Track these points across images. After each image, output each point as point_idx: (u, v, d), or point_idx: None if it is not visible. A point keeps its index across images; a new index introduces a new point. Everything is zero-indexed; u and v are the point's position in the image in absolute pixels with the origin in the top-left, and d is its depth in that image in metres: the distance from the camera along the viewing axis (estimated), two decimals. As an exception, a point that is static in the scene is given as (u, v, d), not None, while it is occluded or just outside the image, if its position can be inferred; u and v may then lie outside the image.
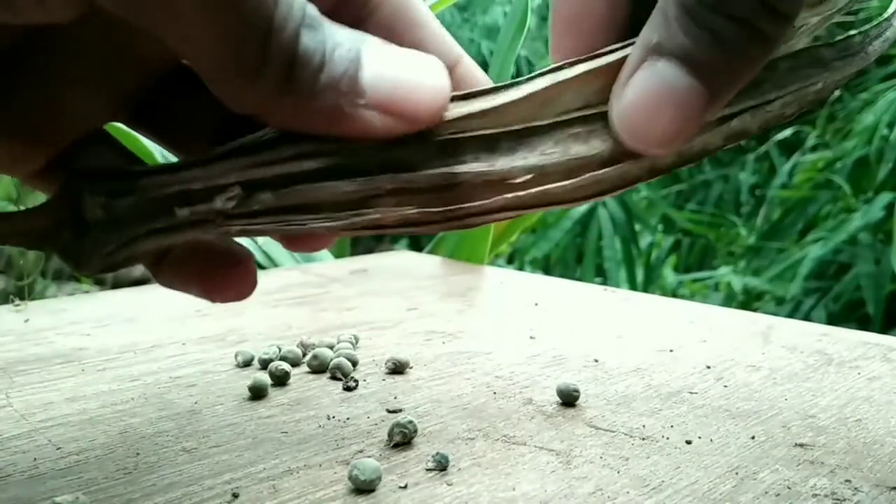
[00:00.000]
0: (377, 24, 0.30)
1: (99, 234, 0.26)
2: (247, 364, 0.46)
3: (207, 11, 0.22)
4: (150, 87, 0.30)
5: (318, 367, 0.45)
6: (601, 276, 2.48)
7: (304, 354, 0.46)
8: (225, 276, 0.31)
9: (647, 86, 0.24)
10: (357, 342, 0.50)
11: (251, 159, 0.26)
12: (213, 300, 0.32)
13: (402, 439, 0.36)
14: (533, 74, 0.27)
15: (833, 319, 1.93)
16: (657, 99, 0.24)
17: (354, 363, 0.46)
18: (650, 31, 0.25)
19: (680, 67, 0.24)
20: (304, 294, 0.63)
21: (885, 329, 1.79)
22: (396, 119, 0.25)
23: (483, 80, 0.31)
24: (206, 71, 0.24)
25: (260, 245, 1.07)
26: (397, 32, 0.30)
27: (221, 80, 0.24)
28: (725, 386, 0.44)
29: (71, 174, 0.27)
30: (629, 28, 0.28)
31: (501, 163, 0.26)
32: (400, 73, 0.25)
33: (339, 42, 0.24)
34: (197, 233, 0.27)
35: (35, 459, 0.33)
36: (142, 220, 0.27)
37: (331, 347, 0.47)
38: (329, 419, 0.38)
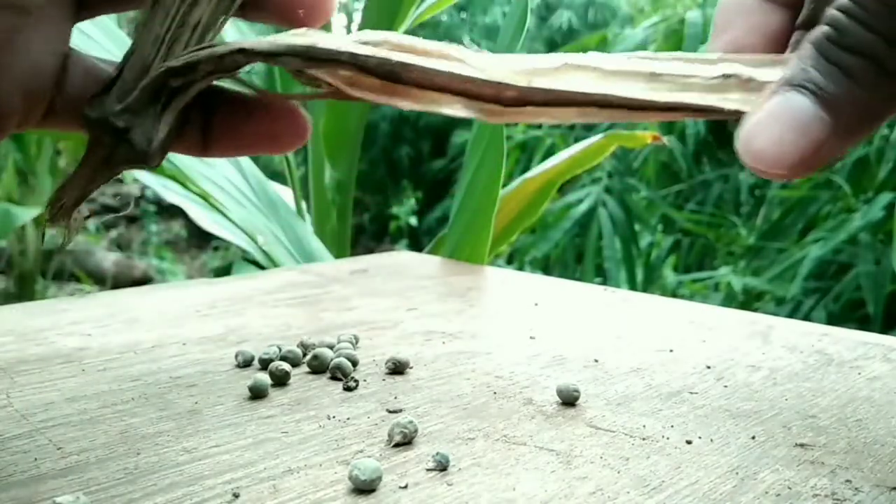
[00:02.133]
0: None
1: (139, 131, 0.30)
2: (247, 364, 0.46)
3: None
4: None
5: (319, 368, 0.45)
6: (601, 276, 2.48)
7: (305, 354, 0.46)
8: (272, 126, 0.33)
9: (775, 111, 0.27)
10: (357, 342, 0.50)
11: None
12: (273, 152, 0.35)
13: (402, 439, 0.36)
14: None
15: (833, 319, 1.93)
16: (782, 123, 0.26)
17: (354, 363, 0.46)
18: (786, 68, 0.27)
19: (808, 97, 0.26)
20: (304, 294, 0.63)
21: (885, 329, 1.79)
22: None
23: None
24: None
25: (260, 245, 1.08)
26: None
27: None
28: (726, 386, 0.44)
29: (84, 119, 0.31)
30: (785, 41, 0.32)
31: None
32: None
33: None
34: (209, 77, 0.31)
35: (36, 459, 0.33)
36: (155, 96, 0.30)
37: (331, 347, 0.47)
38: (329, 419, 0.38)
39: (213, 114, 0.33)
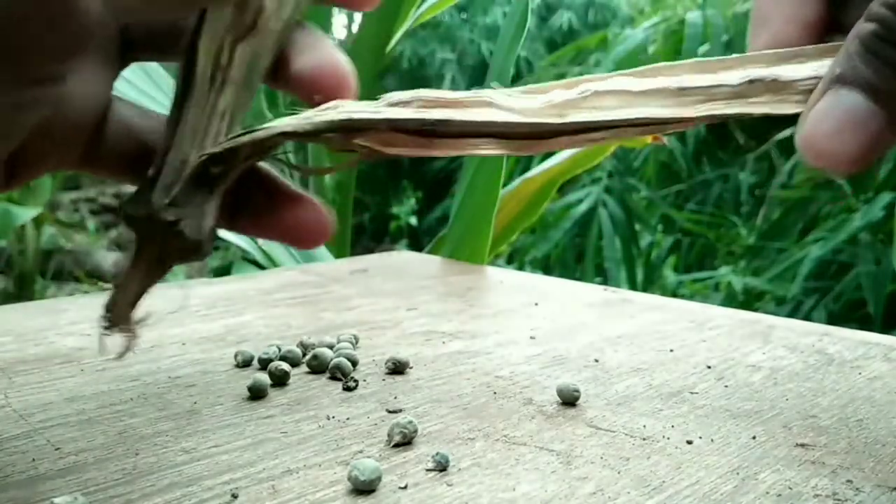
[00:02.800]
0: None
1: (189, 222, 0.31)
2: (246, 364, 0.46)
3: None
4: None
5: (318, 367, 0.45)
6: (601, 275, 2.49)
7: (304, 354, 0.46)
8: (295, 220, 0.35)
9: (829, 110, 0.28)
10: (357, 342, 0.50)
11: None
12: (294, 245, 0.37)
13: (402, 439, 0.36)
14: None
15: (833, 319, 1.93)
16: (838, 122, 0.27)
17: (354, 363, 0.46)
18: (834, 66, 0.28)
19: (860, 94, 0.27)
20: (303, 294, 0.63)
21: (885, 329, 1.79)
22: None
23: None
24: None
25: (260, 245, 1.07)
26: None
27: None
28: (726, 386, 0.44)
29: (127, 219, 0.31)
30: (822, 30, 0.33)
31: None
32: None
33: None
34: (249, 160, 0.32)
35: (34, 460, 0.33)
36: (198, 185, 0.31)
37: (331, 347, 0.47)
38: (329, 419, 0.38)
39: (240, 196, 0.34)
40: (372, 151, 0.31)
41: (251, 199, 0.34)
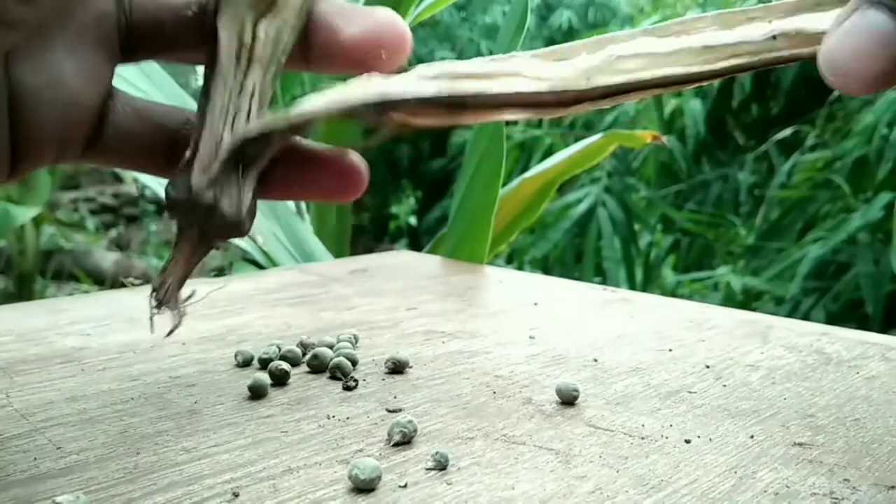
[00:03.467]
0: None
1: (228, 202, 0.31)
2: (246, 364, 0.46)
3: None
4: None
5: (318, 367, 0.45)
6: (600, 275, 2.49)
7: (304, 354, 0.46)
8: (326, 179, 0.34)
9: (853, 28, 0.27)
10: (357, 342, 0.50)
11: None
12: (326, 200, 0.36)
13: (401, 439, 0.36)
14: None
15: (832, 319, 1.93)
16: (862, 39, 0.27)
17: (354, 363, 0.46)
18: None
19: (884, 12, 0.27)
20: (303, 294, 0.63)
21: (884, 329, 1.79)
22: None
23: None
24: None
25: (259, 245, 1.07)
26: None
27: None
28: (724, 385, 0.44)
29: (169, 201, 0.32)
30: None
31: None
32: None
33: None
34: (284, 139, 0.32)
35: (35, 459, 0.33)
36: (235, 165, 0.31)
37: (330, 347, 0.47)
38: (329, 419, 0.38)
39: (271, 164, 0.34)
40: (403, 125, 0.31)
41: (283, 165, 0.34)
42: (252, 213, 0.32)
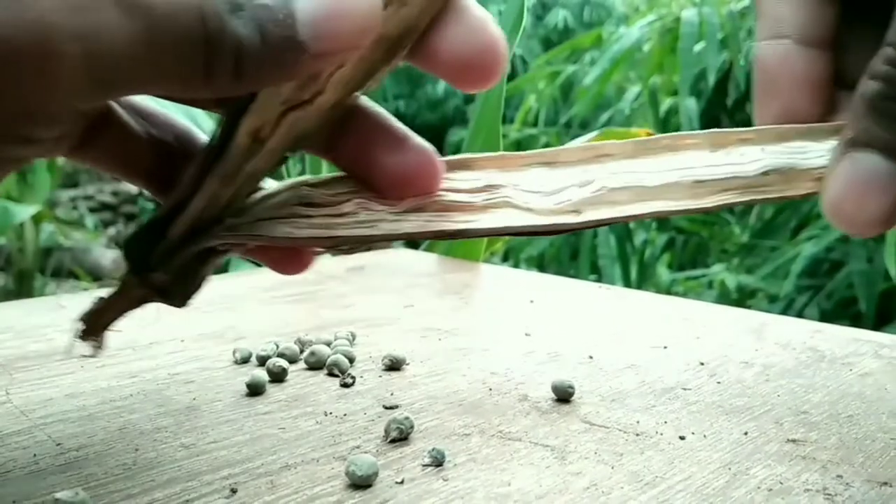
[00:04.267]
0: None
1: (178, 291, 0.32)
2: (245, 361, 0.46)
3: (151, 54, 0.24)
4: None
5: (316, 364, 0.45)
6: (596, 273, 2.49)
7: (302, 351, 0.47)
8: (397, 161, 0.32)
9: (849, 175, 0.27)
10: (354, 339, 0.50)
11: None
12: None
13: (398, 435, 0.36)
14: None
15: (825, 317, 1.94)
16: (860, 186, 0.27)
17: (351, 360, 0.46)
18: (847, 129, 0.28)
19: (877, 155, 0.27)
20: (301, 291, 0.63)
21: (877, 326, 1.79)
22: (333, 44, 0.26)
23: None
24: (167, 92, 0.27)
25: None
26: None
27: (181, 91, 0.26)
28: (719, 382, 0.44)
29: (124, 254, 0.31)
30: (830, 85, 0.32)
31: None
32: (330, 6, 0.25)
33: (269, 7, 0.25)
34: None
35: (35, 455, 0.34)
36: (196, 260, 0.31)
37: (328, 344, 0.48)
38: (326, 415, 0.39)
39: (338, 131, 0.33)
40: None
41: (350, 133, 0.32)
42: (195, 293, 0.33)
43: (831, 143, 0.30)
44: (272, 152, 0.29)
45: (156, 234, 0.31)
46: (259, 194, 0.31)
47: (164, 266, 0.31)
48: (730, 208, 0.31)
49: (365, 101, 0.32)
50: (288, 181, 0.31)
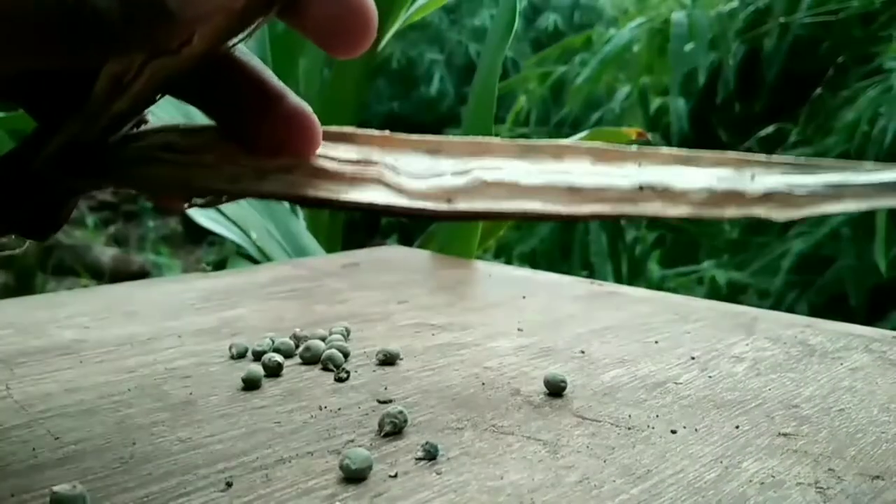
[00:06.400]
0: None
1: (33, 217, 0.31)
2: (241, 356, 0.46)
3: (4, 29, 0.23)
4: None
5: (311, 359, 0.45)
6: (587, 269, 2.49)
7: (297, 346, 0.47)
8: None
9: None
10: (348, 334, 0.51)
11: None
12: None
13: (392, 429, 0.36)
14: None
15: (816, 312, 1.93)
16: None
17: (346, 355, 0.46)
18: None
19: None
20: (296, 287, 0.64)
21: (867, 322, 1.79)
22: (202, 9, 0.25)
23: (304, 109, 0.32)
24: (32, 65, 0.25)
25: (253, 240, 1.08)
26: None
27: (46, 64, 0.25)
28: (710, 376, 0.45)
29: None
30: None
31: None
32: None
33: None
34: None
35: (34, 449, 0.34)
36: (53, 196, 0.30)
37: (323, 339, 0.48)
38: (321, 409, 0.39)
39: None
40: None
41: (222, 85, 0.31)
42: (58, 227, 0.32)
43: (711, 171, 0.30)
44: (136, 95, 0.28)
45: (14, 169, 0.30)
46: (126, 134, 0.30)
47: (23, 199, 0.30)
48: (602, 220, 0.31)
49: (241, 52, 0.31)
50: (158, 124, 0.31)
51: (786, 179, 0.31)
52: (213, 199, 0.30)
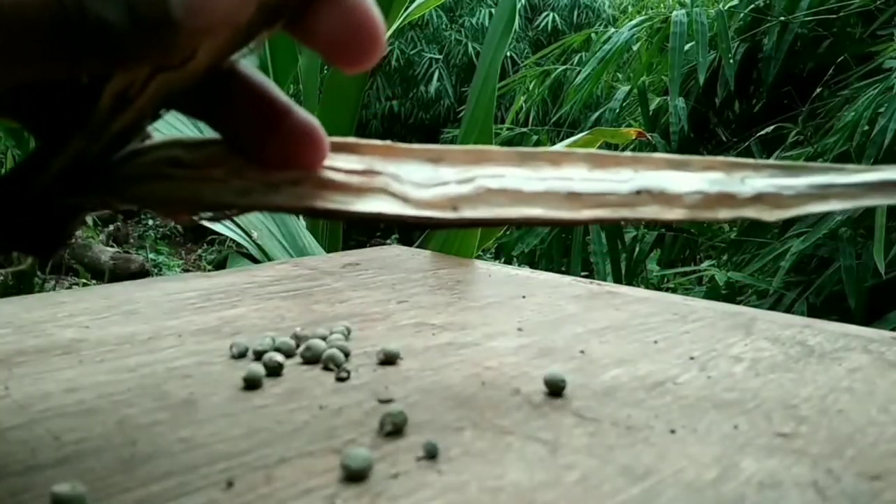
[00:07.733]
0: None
1: (35, 235, 0.31)
2: (241, 355, 0.46)
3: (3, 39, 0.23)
4: None
5: (311, 358, 0.45)
6: (587, 269, 2.49)
7: (298, 346, 0.47)
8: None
9: None
10: (349, 334, 0.51)
11: None
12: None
13: (392, 429, 0.36)
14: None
15: (815, 313, 1.94)
16: None
17: (346, 354, 0.46)
18: None
19: None
20: (297, 287, 0.64)
21: (865, 322, 1.80)
22: (208, 20, 0.25)
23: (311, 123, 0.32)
24: (35, 76, 0.25)
25: (254, 239, 1.08)
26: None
27: (48, 75, 0.25)
28: (709, 377, 0.45)
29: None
30: None
31: None
32: None
33: None
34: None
35: (34, 449, 0.34)
36: (57, 214, 0.30)
37: (323, 339, 0.48)
38: (321, 409, 0.39)
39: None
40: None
41: (227, 100, 0.31)
42: (62, 245, 0.31)
43: (702, 175, 0.31)
44: (140, 111, 0.29)
45: (17, 186, 0.29)
46: (130, 150, 0.30)
47: (27, 218, 0.30)
48: (603, 222, 0.32)
49: (245, 66, 0.31)
50: (162, 139, 0.31)
51: (774, 181, 0.32)
52: (221, 213, 0.31)
